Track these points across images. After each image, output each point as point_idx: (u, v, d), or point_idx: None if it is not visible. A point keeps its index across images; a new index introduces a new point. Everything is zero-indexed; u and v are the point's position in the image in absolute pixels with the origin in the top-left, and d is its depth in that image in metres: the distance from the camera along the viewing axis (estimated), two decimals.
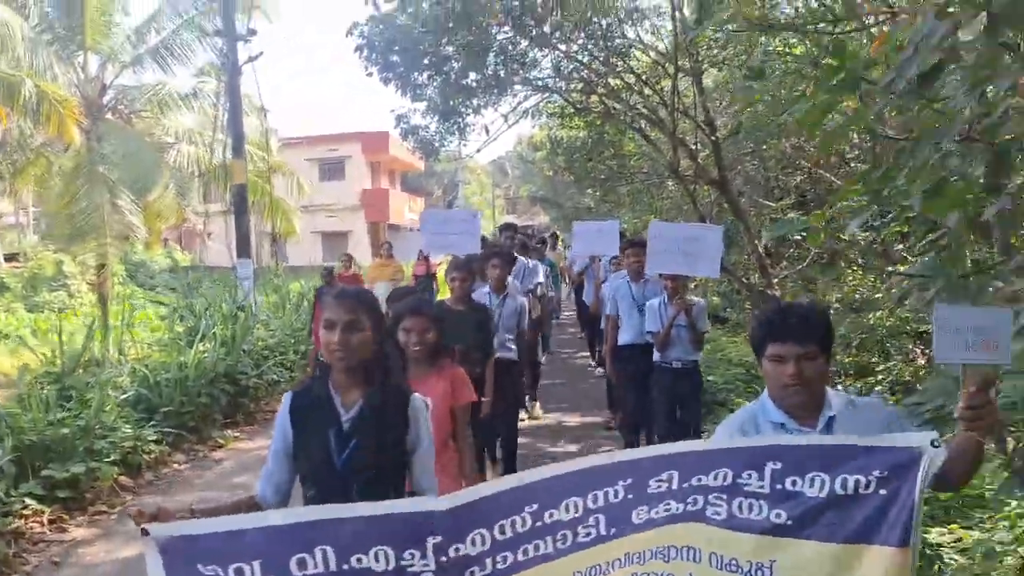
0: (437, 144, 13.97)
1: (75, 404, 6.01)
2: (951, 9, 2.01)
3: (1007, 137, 2.15)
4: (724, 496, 1.93)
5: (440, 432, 3.33)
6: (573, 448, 7.32)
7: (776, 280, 10.20)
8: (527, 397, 8.25)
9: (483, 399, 5.05)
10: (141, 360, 7.90)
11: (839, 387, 5.01)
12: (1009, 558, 3.57)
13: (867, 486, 1.92)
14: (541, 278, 8.55)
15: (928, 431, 1.99)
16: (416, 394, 2.61)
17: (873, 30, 4.08)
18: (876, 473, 1.92)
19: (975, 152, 2.20)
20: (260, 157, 17.44)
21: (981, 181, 2.24)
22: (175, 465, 6.83)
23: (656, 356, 5.77)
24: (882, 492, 1.90)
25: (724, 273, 10.46)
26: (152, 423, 6.75)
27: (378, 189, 36.96)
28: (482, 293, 5.95)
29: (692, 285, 11.99)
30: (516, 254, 7.87)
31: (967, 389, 2.00)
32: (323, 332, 2.44)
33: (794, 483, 1.93)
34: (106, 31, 15.40)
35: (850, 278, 10.42)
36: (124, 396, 6.72)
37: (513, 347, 5.95)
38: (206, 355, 7.90)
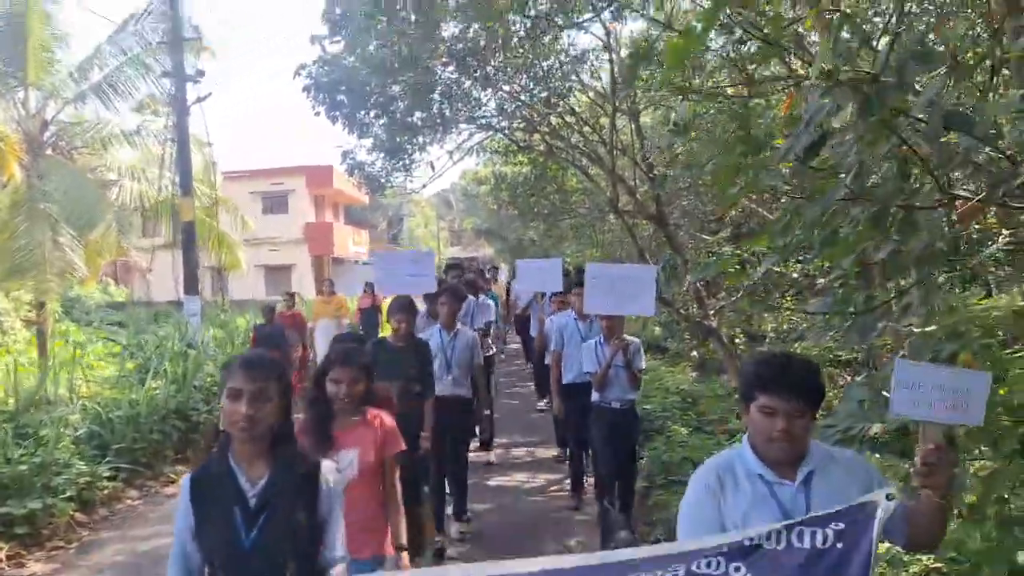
0: (383, 180, 14.26)
1: (30, 442, 6.08)
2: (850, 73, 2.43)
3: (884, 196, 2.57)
4: (682, 565, 1.97)
5: (370, 485, 3.29)
6: (522, 477, 7.58)
7: (713, 312, 10.64)
8: (483, 439, 8.27)
9: (422, 434, 5.09)
10: (92, 398, 7.93)
11: None
12: (914, 567, 3.77)
13: (825, 540, 1.97)
14: (493, 315, 8.75)
15: (886, 487, 2.06)
16: (325, 460, 2.50)
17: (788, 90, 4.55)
18: (833, 527, 1.98)
19: (860, 209, 2.61)
20: (204, 193, 17.45)
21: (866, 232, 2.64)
22: (128, 501, 6.89)
23: (595, 396, 5.77)
24: (839, 546, 1.96)
25: (663, 305, 10.87)
26: (106, 459, 6.81)
27: (322, 223, 36.91)
28: (433, 331, 6.01)
29: (633, 319, 12.40)
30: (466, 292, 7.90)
31: (924, 446, 2.03)
32: (227, 402, 2.28)
33: (751, 538, 1.99)
34: (48, 67, 15.33)
35: (785, 310, 10.87)
36: (78, 433, 6.78)
37: (466, 383, 6.02)
38: (157, 392, 7.99)
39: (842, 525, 1.98)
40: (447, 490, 6.09)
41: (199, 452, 8.64)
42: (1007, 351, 3.38)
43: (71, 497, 6.00)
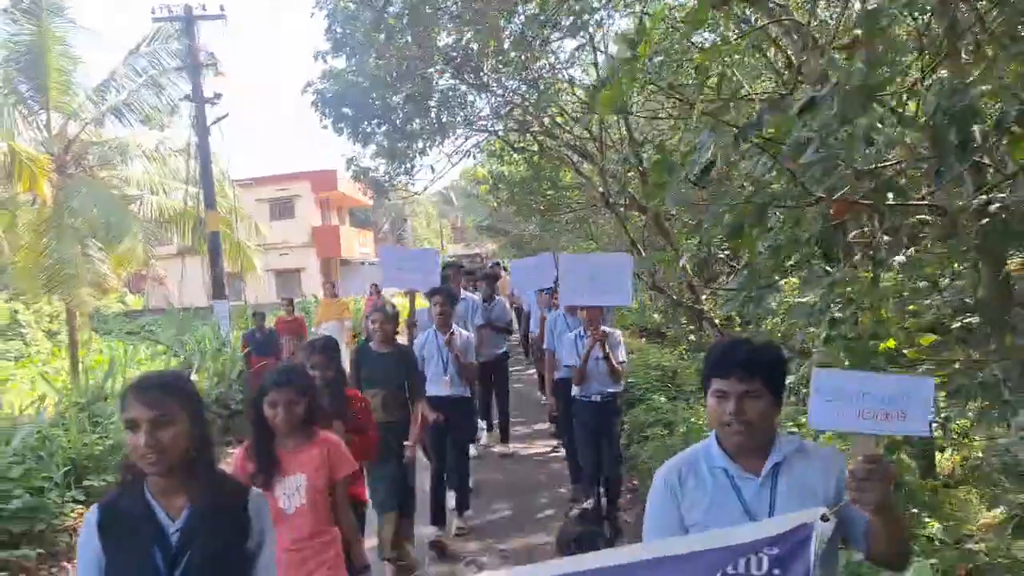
0: (387, 184, 15.20)
1: (101, 428, 7.11)
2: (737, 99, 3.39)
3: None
4: None
5: (319, 510, 3.21)
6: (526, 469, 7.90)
7: (705, 296, 11.42)
8: (486, 429, 8.57)
9: (406, 443, 5.04)
10: None
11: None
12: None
13: (759, 565, 1.92)
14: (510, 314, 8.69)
15: (817, 507, 1.97)
16: (254, 488, 2.33)
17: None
18: (768, 551, 1.93)
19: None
20: (218, 204, 18.46)
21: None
22: None
23: (575, 390, 5.76)
24: (776, 572, 1.92)
25: (658, 292, 11.60)
26: None
27: (329, 226, 37.91)
28: (429, 333, 6.02)
29: (631, 310, 12.96)
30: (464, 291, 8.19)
31: (855, 458, 1.93)
32: (127, 434, 2.07)
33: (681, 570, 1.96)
34: (67, 90, 16.33)
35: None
36: None
37: (464, 383, 6.00)
38: (203, 385, 9.07)
39: (776, 550, 1.92)
40: (447, 486, 6.05)
41: (238, 434, 8.90)
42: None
43: None
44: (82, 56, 15.94)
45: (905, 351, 4.14)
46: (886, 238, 3.73)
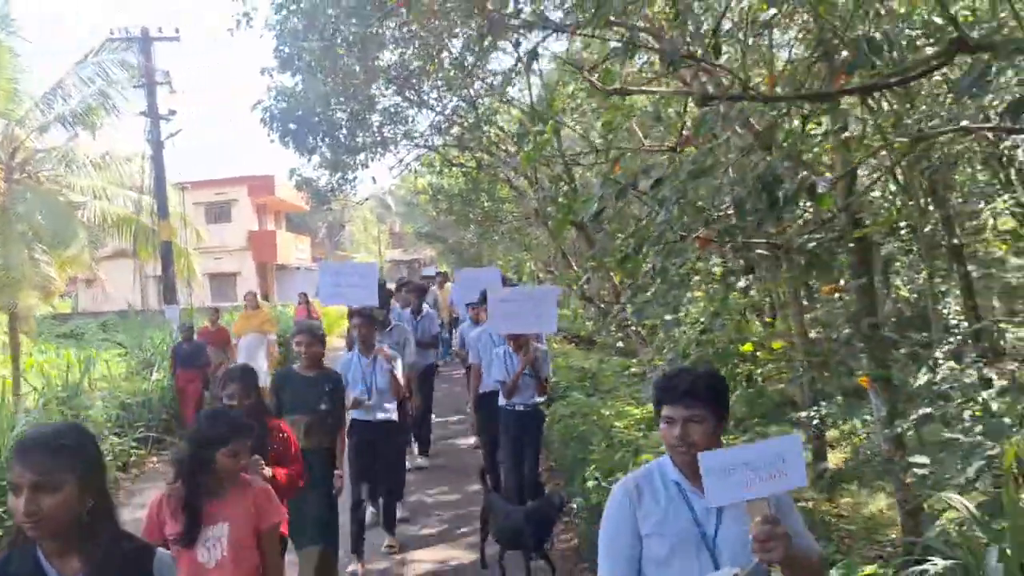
0: (329, 194, 16.03)
1: (79, 420, 7.87)
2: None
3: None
4: None
5: (244, 563, 2.97)
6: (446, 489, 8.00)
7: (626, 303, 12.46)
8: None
9: (336, 472, 4.89)
10: (110, 389, 9.79)
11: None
12: None
13: None
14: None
15: (729, 568, 2.15)
16: (160, 548, 2.18)
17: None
18: None
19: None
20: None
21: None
22: (151, 464, 8.98)
23: (501, 400, 6.13)
24: None
25: (587, 302, 12.52)
26: (134, 434, 8.74)
27: (266, 231, 38.09)
28: (351, 357, 5.87)
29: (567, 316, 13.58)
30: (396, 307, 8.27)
31: (753, 523, 2.07)
32: (9, 497, 1.91)
33: None
34: (14, 97, 16.55)
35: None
36: (106, 415, 8.69)
37: (392, 406, 5.91)
38: (163, 381, 9.95)
39: None
40: (368, 511, 6.03)
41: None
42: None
43: (112, 460, 7.90)
44: (30, 66, 16.17)
45: (758, 353, 5.32)
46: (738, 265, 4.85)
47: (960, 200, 7.52)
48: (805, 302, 5.50)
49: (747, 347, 5.18)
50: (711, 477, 2.11)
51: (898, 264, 8.00)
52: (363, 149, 14.67)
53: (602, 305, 13.05)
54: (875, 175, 5.51)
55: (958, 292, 7.03)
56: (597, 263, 5.74)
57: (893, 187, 5.78)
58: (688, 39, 3.57)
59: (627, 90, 4.09)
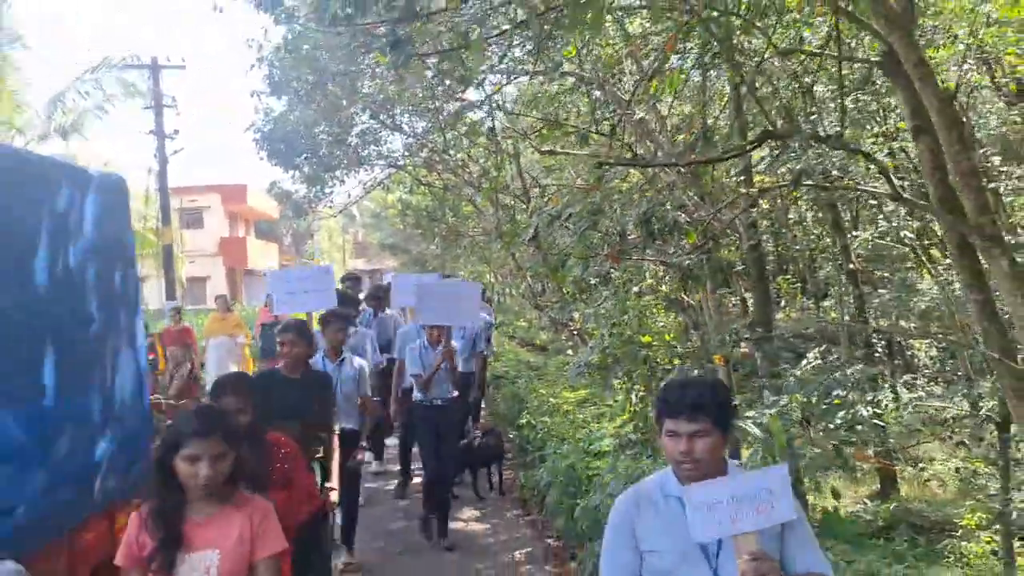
0: (306, 206, 17.58)
1: None
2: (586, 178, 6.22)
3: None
4: None
5: None
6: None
7: (578, 314, 14.17)
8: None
9: (327, 485, 4.44)
10: None
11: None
12: None
13: None
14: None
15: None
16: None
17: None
18: None
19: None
20: (149, 214, 20.22)
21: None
22: None
23: (417, 395, 6.15)
24: None
25: (537, 309, 14.02)
26: None
27: (236, 238, 39.23)
28: (316, 361, 5.30)
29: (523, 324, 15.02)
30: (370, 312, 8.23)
31: (740, 559, 2.05)
32: None
33: None
34: (17, 108, 17.76)
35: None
36: None
37: (355, 414, 5.53)
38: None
39: None
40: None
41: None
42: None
43: None
44: (30, 78, 17.35)
45: (655, 343, 7.05)
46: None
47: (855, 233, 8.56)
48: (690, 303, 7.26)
49: (646, 338, 6.90)
50: (697, 512, 2.09)
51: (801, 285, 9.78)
52: (340, 166, 16.13)
53: (552, 315, 14.14)
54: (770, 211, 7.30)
55: (854, 310, 7.74)
56: (535, 272, 7.43)
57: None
58: (596, 118, 5.29)
59: (554, 152, 5.81)
